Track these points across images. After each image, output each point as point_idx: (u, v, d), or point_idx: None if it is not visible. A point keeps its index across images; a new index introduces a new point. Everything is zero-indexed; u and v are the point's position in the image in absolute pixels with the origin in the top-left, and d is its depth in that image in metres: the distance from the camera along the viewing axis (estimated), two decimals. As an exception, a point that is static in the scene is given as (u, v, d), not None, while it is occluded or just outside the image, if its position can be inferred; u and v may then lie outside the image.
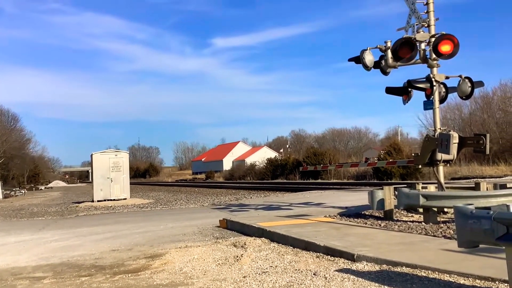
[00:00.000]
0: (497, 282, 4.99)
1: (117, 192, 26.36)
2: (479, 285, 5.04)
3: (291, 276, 6.14)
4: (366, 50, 10.50)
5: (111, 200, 25.91)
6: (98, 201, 25.78)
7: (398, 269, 5.94)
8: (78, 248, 9.72)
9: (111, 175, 26.26)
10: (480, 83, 10.75)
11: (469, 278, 5.26)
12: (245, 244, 8.69)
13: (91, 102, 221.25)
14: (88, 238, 11.23)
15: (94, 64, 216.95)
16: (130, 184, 27.88)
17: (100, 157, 26.63)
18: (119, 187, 26.41)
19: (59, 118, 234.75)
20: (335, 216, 11.36)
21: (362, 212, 11.71)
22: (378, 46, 10.46)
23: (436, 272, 5.60)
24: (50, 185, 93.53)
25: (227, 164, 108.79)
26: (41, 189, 73.79)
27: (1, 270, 7.74)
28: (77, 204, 26.60)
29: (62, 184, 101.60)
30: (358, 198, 16.58)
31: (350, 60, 10.89)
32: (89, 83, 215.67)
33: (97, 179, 26.34)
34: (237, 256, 7.67)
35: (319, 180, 48.28)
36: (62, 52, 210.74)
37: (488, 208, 4.74)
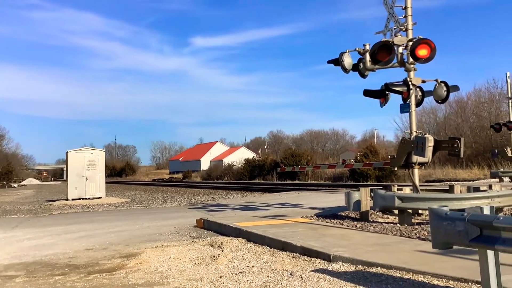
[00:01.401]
0: (470, 283, 5.09)
1: (93, 190, 25.98)
2: (452, 286, 5.13)
3: (268, 276, 6.14)
4: (345, 52, 10.57)
5: (86, 198, 25.52)
6: (72, 199, 25.36)
7: (374, 269, 6.01)
8: (51, 247, 9.55)
9: (87, 173, 25.87)
10: (456, 88, 10.94)
11: (443, 279, 5.34)
12: (222, 244, 8.67)
13: (67, 99, 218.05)
14: (62, 237, 11.05)
15: (71, 61, 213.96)
16: (106, 183, 27.52)
17: (76, 155, 26.20)
18: (94, 186, 26.04)
19: (35, 115, 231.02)
20: (312, 217, 11.42)
21: (339, 213, 11.80)
22: (357, 49, 10.54)
23: (411, 272, 5.67)
24: (23, 182, 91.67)
25: (205, 164, 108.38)
26: (14, 187, 72.25)
27: (-29, 269, 7.56)
28: (51, 203, 26.13)
29: (35, 182, 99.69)
30: (334, 199, 16.70)
31: (329, 62, 10.96)
32: (66, 80, 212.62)
33: (72, 177, 25.91)
34: (214, 256, 7.65)
35: (297, 181, 48.46)
36: (40, 48, 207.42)
37: (462, 210, 4.83)
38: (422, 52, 9.70)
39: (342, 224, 10.02)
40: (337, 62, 10.76)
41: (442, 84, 10.43)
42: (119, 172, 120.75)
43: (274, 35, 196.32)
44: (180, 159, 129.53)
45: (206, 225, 11.53)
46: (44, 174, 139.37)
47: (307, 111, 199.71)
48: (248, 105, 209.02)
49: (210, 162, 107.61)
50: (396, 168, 11.37)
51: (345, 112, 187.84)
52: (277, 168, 50.60)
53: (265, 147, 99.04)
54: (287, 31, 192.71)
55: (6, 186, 71.20)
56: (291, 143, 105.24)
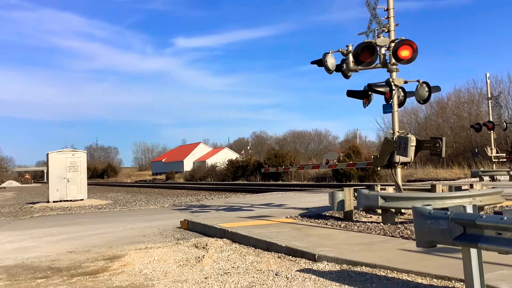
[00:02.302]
0: (453, 281, 5.15)
1: (74, 192, 25.68)
2: (436, 284, 5.18)
3: (253, 277, 6.14)
4: (328, 53, 10.63)
5: (67, 201, 25.22)
6: (54, 201, 25.04)
7: (358, 268, 6.05)
8: (33, 249, 9.41)
9: (68, 175, 25.57)
10: (437, 88, 11.06)
11: (427, 277, 5.40)
12: (206, 245, 8.64)
13: (48, 100, 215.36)
14: (43, 239, 10.90)
15: (52, 62, 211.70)
16: (88, 184, 27.22)
17: (57, 157, 25.87)
18: (76, 188, 25.74)
19: (14, 116, 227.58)
20: (297, 217, 11.45)
21: (323, 213, 11.85)
22: (340, 50, 10.61)
23: (395, 271, 5.72)
24: (3, 185, 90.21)
25: (188, 165, 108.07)
26: (-7, 189, 71.09)
27: (-49, 273, 7.40)
28: (32, 205, 25.77)
29: (15, 184, 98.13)
30: (318, 199, 16.78)
31: (312, 62, 11.01)
32: (46, 80, 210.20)
33: (53, 179, 25.58)
34: (199, 257, 7.61)
35: (280, 182, 48.59)
36: (19, 49, 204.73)
37: (445, 209, 4.89)
38: (404, 53, 9.80)
39: (327, 224, 10.07)
40: (321, 63, 10.81)
41: (424, 85, 10.55)
42: (101, 173, 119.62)
43: (257, 36, 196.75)
44: (163, 160, 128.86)
45: (190, 226, 11.48)
46: (27, 176, 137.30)
47: (290, 111, 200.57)
48: (231, 106, 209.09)
49: (193, 163, 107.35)
50: (379, 168, 11.47)
51: (327, 112, 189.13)
52: (260, 169, 50.69)
53: (248, 148, 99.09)
54: (270, 32, 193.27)
55: (-15, 188, 69.95)
56: (274, 144, 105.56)
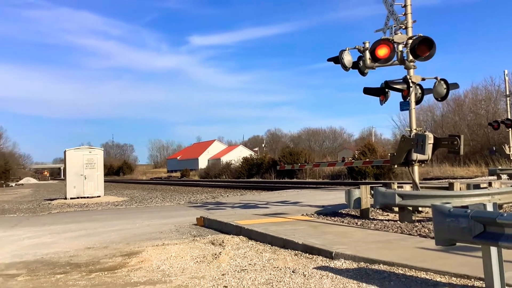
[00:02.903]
0: (473, 280, 5.10)
1: (91, 189, 25.94)
2: (455, 283, 5.14)
3: (270, 274, 6.15)
4: (345, 50, 10.58)
5: (84, 197, 25.49)
6: (71, 198, 25.32)
7: (376, 266, 6.02)
8: (52, 245, 9.54)
9: (85, 172, 25.83)
10: (455, 85, 10.95)
11: (445, 276, 5.36)
12: (223, 242, 8.67)
13: (64, 98, 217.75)
14: (62, 235, 11.03)
15: (68, 60, 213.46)
16: (104, 181, 27.47)
17: (74, 154, 26.15)
18: (93, 185, 25.99)
19: (32, 114, 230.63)
20: (312, 214, 11.44)
21: (339, 211, 11.82)
22: (357, 47, 10.55)
23: (413, 269, 5.69)
24: (21, 181, 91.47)
25: (203, 162, 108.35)
26: (12, 186, 72.10)
27: (-27, 268, 7.54)
28: (49, 201, 26.10)
29: (33, 181, 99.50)
30: (334, 197, 16.72)
31: (329, 60, 10.96)
32: (63, 79, 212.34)
33: (70, 176, 25.86)
34: (215, 254, 7.65)
35: (295, 179, 48.52)
36: (36, 47, 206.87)
37: (465, 207, 4.84)
38: (422, 50, 9.71)
39: (343, 221, 10.04)
40: (337, 60, 10.77)
41: (442, 82, 10.46)
42: (117, 171, 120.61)
43: (271, 33, 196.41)
44: (178, 158, 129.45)
45: (207, 223, 11.53)
46: (45, 172, 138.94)
47: (305, 109, 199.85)
48: (245, 104, 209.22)
49: (208, 160, 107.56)
50: (395, 166, 11.39)
51: (342, 110, 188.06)
52: (275, 166, 50.68)
53: (263, 145, 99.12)
54: (284, 29, 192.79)
55: (4, 185, 71.02)
56: (289, 142, 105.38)
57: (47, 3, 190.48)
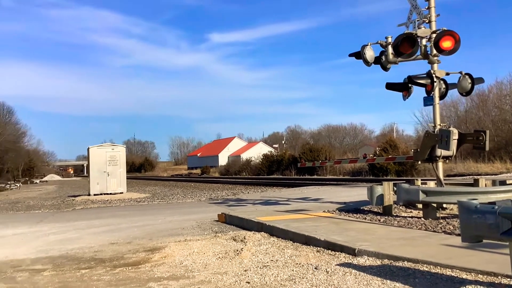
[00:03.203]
0: (500, 277, 5.01)
1: (114, 186, 26.28)
2: (482, 280, 5.05)
3: (293, 270, 6.13)
4: (367, 45, 10.49)
5: (107, 194, 25.84)
6: (94, 194, 25.70)
7: (400, 263, 5.95)
8: (76, 241, 9.68)
9: (108, 169, 26.17)
10: (480, 80, 10.75)
11: (472, 273, 5.27)
12: (244, 238, 8.68)
13: (86, 96, 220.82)
14: (86, 231, 11.19)
15: (90, 59, 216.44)
16: (126, 178, 27.81)
17: (97, 151, 26.53)
18: (115, 181, 26.33)
19: (55, 111, 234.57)
20: (334, 211, 11.37)
21: (361, 208, 11.72)
22: (379, 42, 10.45)
23: (438, 266, 5.60)
24: (45, 178, 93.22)
25: (223, 159, 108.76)
26: (36, 183, 73.55)
27: (0, 263, 7.70)
28: (73, 198, 26.52)
29: (57, 177, 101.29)
30: (355, 193, 16.60)
31: (350, 55, 10.88)
32: (84, 77, 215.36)
33: (93, 173, 26.24)
34: (237, 250, 7.66)
35: (315, 176, 48.32)
36: (58, 46, 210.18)
37: (492, 203, 4.75)
38: (447, 44, 9.57)
39: (365, 218, 9.95)
40: (359, 55, 10.69)
41: (467, 77, 10.29)
42: (138, 167, 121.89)
43: (291, 30, 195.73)
44: (198, 155, 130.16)
45: (228, 220, 11.56)
46: (70, 170, 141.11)
47: (325, 106, 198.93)
48: (265, 101, 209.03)
49: (228, 157, 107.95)
50: (419, 162, 11.25)
51: (363, 106, 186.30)
52: (295, 163, 50.54)
53: (283, 142, 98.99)
54: (304, 26, 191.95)
55: (28, 182, 72.52)
56: (309, 138, 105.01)
57: (69, 3, 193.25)
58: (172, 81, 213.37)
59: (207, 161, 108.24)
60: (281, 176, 53.58)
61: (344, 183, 29.39)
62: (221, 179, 52.03)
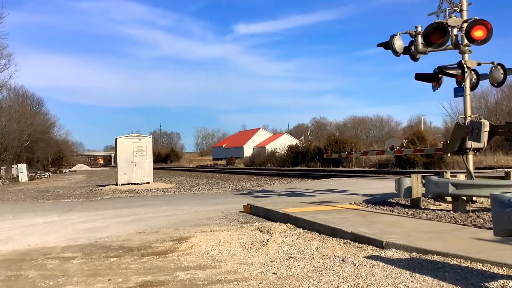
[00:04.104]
0: (533, 272, 4.88)
1: (141, 176, 26.64)
2: (514, 275, 4.93)
3: (319, 262, 6.10)
4: (396, 35, 10.29)
5: (134, 184, 26.22)
6: (122, 184, 26.11)
7: (429, 257, 5.85)
8: (105, 230, 9.84)
9: (135, 159, 26.53)
10: (513, 70, 10.45)
11: (503, 268, 5.14)
12: (270, 229, 8.68)
13: (113, 87, 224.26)
14: (114, 220, 11.37)
15: (117, 50, 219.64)
16: (153, 168, 28.14)
17: (124, 142, 26.90)
18: (142, 171, 26.68)
19: (83, 102, 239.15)
20: (361, 203, 11.27)
21: (388, 200, 11.59)
22: (408, 31, 10.24)
23: (469, 261, 5.49)
24: (73, 168, 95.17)
25: (248, 150, 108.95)
26: (65, 172, 75.18)
27: (31, 250, 7.89)
28: (101, 187, 27.00)
29: (85, 167, 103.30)
30: (382, 186, 16.43)
31: (379, 45, 10.70)
32: (112, 68, 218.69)
33: (121, 163, 26.64)
34: (263, 241, 7.66)
35: (341, 168, 48.00)
36: (86, 38, 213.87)
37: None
38: (478, 33, 9.32)
39: (393, 211, 9.83)
40: (387, 45, 10.50)
41: (499, 67, 10.00)
42: (164, 158, 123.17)
43: (317, 20, 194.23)
44: (223, 146, 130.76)
45: (253, 211, 11.58)
46: (100, 160, 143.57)
47: (350, 97, 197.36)
48: (290, 92, 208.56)
49: (253, 148, 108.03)
50: (448, 154, 11.04)
51: (389, 98, 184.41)
52: (320, 155, 50.28)
53: (308, 133, 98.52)
54: (330, 17, 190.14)
55: (58, 171, 74.10)
56: (334, 130, 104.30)
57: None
58: (197, 72, 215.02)
59: (232, 152, 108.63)
60: (306, 168, 53.40)
61: (370, 175, 29.12)
62: (246, 170, 52.17)
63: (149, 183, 26.61)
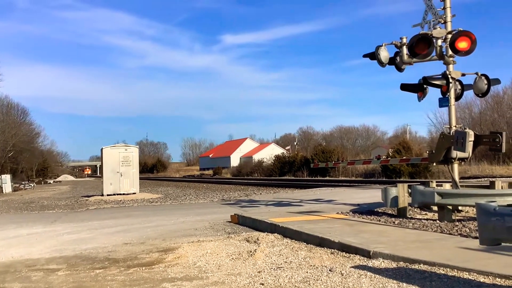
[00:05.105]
0: (519, 281, 4.92)
1: (127, 186, 26.40)
2: (500, 284, 4.97)
3: (307, 272, 6.09)
4: (381, 46, 10.42)
5: (120, 194, 25.96)
6: (107, 195, 25.84)
7: (416, 266, 5.88)
8: (90, 241, 9.72)
9: (121, 169, 26.30)
10: (497, 81, 10.63)
11: (489, 276, 5.18)
12: (258, 240, 8.64)
13: (100, 97, 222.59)
14: (99, 231, 11.24)
15: (104, 60, 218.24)
16: (139, 179, 27.92)
17: (110, 152, 26.67)
18: (128, 182, 26.45)
19: (69, 112, 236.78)
20: (348, 213, 11.30)
21: (375, 209, 11.63)
22: (394, 42, 10.37)
23: (455, 270, 5.53)
24: (58, 179, 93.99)
25: (235, 160, 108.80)
26: (50, 183, 74.22)
27: (15, 262, 7.76)
28: (86, 198, 26.69)
29: (70, 178, 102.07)
30: (369, 195, 16.49)
31: (365, 56, 10.81)
32: (98, 78, 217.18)
33: (107, 173, 26.38)
34: (251, 251, 7.63)
35: (327, 178, 48.16)
36: (73, 48, 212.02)
37: (510, 205, 4.67)
38: (462, 44, 9.46)
39: (380, 220, 9.87)
40: (373, 56, 10.61)
41: (483, 78, 10.16)
42: (151, 168, 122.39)
43: (303, 31, 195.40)
44: (210, 156, 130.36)
45: (241, 221, 11.54)
46: (88, 170, 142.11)
47: (337, 107, 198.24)
48: (277, 102, 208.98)
49: (240, 158, 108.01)
50: (434, 164, 11.13)
51: (376, 108, 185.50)
52: (307, 165, 50.40)
53: (295, 143, 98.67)
54: (316, 27, 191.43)
55: (42, 182, 73.18)
56: (321, 140, 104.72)
57: (83, 5, 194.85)
58: (185, 82, 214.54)
59: (219, 162, 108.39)
60: (293, 177, 53.50)
61: (357, 184, 29.23)
62: (233, 180, 52.06)
63: (135, 193, 26.39)
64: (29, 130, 78.13)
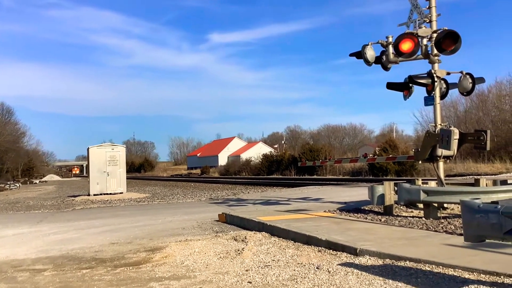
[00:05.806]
0: (502, 277, 5.00)
1: (114, 186, 26.25)
2: (484, 280, 5.03)
3: (294, 270, 6.12)
4: (368, 45, 10.48)
5: (107, 194, 25.80)
6: (94, 195, 25.67)
7: (402, 263, 5.94)
8: (77, 241, 9.66)
9: (108, 169, 26.14)
10: (481, 80, 10.75)
11: (474, 273, 5.25)
12: (245, 238, 8.66)
13: (87, 96, 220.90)
14: (86, 231, 11.17)
15: (90, 59, 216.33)
16: (126, 178, 27.78)
17: (97, 151, 26.49)
18: (115, 181, 26.30)
19: (54, 112, 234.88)
20: (335, 211, 11.36)
21: (362, 207, 11.71)
22: (380, 41, 10.44)
23: (441, 266, 5.59)
24: (44, 178, 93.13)
25: (223, 159, 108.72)
26: (36, 183, 73.47)
27: (1, 263, 7.68)
28: (73, 198, 26.50)
29: (56, 178, 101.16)
30: (356, 193, 16.60)
31: (351, 55, 10.87)
32: (85, 77, 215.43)
33: (93, 173, 26.20)
34: (238, 250, 7.64)
35: (315, 176, 48.32)
36: (59, 47, 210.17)
37: (495, 203, 4.73)
38: (448, 43, 9.55)
39: (366, 218, 9.94)
40: (360, 55, 10.67)
41: (468, 76, 10.28)
42: (138, 168, 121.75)
43: (291, 30, 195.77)
44: (198, 155, 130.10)
45: (228, 220, 11.54)
46: (76, 169, 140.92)
47: (324, 106, 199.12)
48: (265, 101, 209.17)
49: (228, 157, 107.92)
50: (420, 162, 11.24)
51: (362, 106, 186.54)
52: (295, 163, 50.54)
53: (283, 142, 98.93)
54: (304, 26, 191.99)
55: (28, 182, 72.44)
56: (309, 138, 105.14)
57: (69, 3, 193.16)
58: (172, 81, 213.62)
59: (206, 161, 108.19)
60: (281, 176, 53.57)
61: (344, 183, 29.39)
62: (221, 179, 52.01)
63: (122, 193, 26.25)
64: (14, 130, 77.35)
